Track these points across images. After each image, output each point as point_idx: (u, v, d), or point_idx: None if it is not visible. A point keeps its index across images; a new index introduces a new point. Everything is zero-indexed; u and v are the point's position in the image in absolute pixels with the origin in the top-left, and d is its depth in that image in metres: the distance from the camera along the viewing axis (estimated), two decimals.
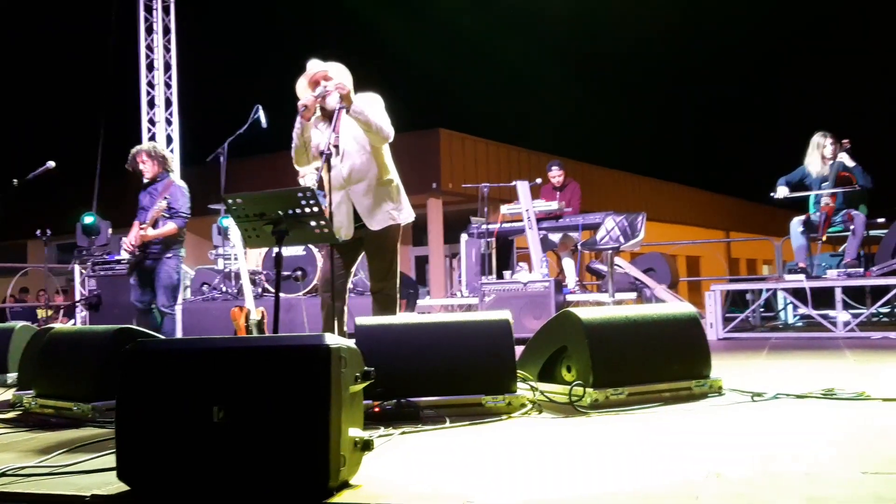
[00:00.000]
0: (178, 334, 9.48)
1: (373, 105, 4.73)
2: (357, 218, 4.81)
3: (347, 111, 4.61)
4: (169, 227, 6.50)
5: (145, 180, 6.67)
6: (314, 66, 4.80)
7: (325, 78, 4.73)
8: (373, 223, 4.80)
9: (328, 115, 4.75)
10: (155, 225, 6.41)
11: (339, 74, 4.76)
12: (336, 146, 4.68)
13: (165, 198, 6.41)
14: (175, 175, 6.89)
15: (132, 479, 2.46)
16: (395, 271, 4.93)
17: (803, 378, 4.47)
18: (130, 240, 6.48)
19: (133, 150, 6.68)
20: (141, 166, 6.62)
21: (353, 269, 5.09)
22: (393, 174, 4.91)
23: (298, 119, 4.71)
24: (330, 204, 4.75)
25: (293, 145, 4.82)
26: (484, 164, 20.00)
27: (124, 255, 6.85)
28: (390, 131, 4.75)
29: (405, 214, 4.93)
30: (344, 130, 4.74)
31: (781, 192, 8.10)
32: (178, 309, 9.89)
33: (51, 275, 13.05)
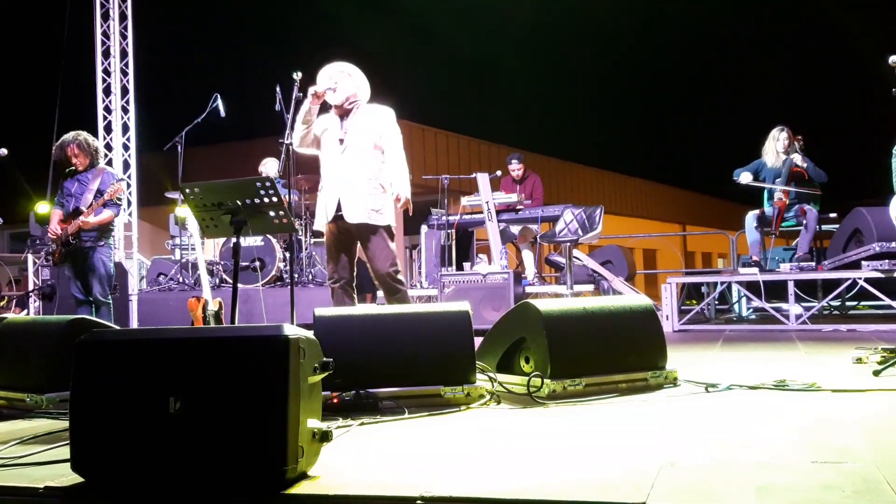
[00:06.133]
0: (134, 324, 9.37)
1: (393, 140, 5.12)
2: (339, 208, 5.02)
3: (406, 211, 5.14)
4: (106, 214, 6.33)
5: (77, 168, 6.44)
6: (337, 66, 5.14)
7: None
8: (351, 216, 5.00)
9: (337, 108, 5.11)
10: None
11: (353, 85, 5.11)
12: (342, 140, 5.05)
13: (116, 181, 6.28)
14: (103, 162, 6.72)
15: (86, 470, 2.44)
16: (389, 261, 5.09)
17: (756, 369, 4.55)
18: (56, 229, 6.28)
19: (63, 140, 6.44)
20: (73, 159, 6.40)
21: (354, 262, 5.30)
22: (384, 180, 5.12)
23: (308, 101, 5.00)
24: (320, 188, 5.13)
25: (297, 125, 5.07)
26: (444, 155, 20.01)
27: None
28: (404, 164, 5.14)
29: (384, 219, 5.08)
30: (353, 127, 5.07)
31: (745, 177, 8.21)
32: (132, 300, 9.78)
33: (3, 264, 12.80)
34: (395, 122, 5.18)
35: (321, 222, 5.14)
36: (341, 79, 5.10)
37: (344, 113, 5.12)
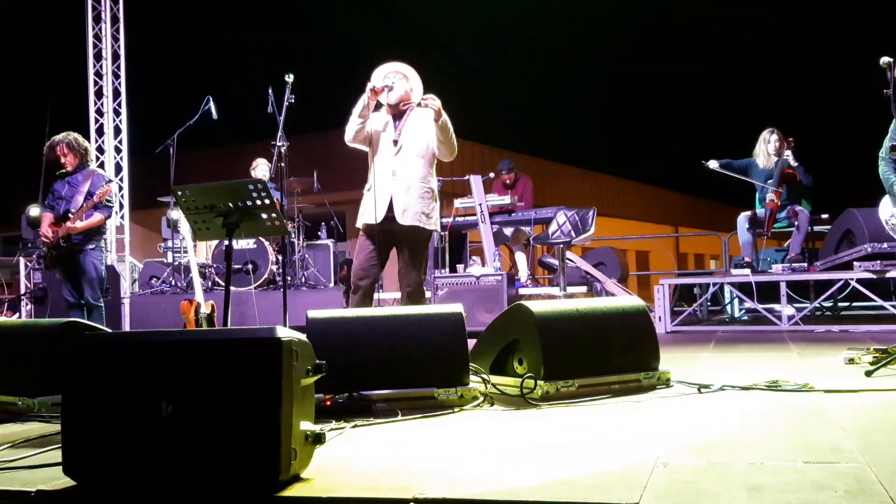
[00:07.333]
0: (126, 327, 9.35)
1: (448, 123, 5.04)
2: (390, 209, 4.97)
3: (437, 121, 4.86)
4: (96, 217, 6.31)
5: (66, 170, 6.46)
6: (394, 66, 5.12)
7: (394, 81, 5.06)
8: (403, 218, 4.96)
9: (391, 108, 5.07)
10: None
11: (408, 87, 5.08)
12: (395, 141, 5.00)
13: (105, 183, 6.28)
14: (94, 164, 6.72)
15: (78, 474, 2.43)
16: (422, 267, 5.12)
17: (748, 370, 4.56)
18: (48, 232, 6.26)
19: (53, 140, 6.44)
20: (62, 159, 6.40)
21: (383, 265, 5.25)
22: (433, 184, 5.12)
23: (365, 95, 4.91)
24: (371, 187, 5.03)
25: (352, 118, 4.99)
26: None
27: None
28: (456, 148, 5.05)
29: (432, 223, 5.10)
30: (407, 129, 5.02)
31: (712, 164, 8.28)
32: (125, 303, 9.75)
33: None
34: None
35: (366, 220, 5.04)
36: (397, 79, 5.06)
37: (397, 114, 5.07)
